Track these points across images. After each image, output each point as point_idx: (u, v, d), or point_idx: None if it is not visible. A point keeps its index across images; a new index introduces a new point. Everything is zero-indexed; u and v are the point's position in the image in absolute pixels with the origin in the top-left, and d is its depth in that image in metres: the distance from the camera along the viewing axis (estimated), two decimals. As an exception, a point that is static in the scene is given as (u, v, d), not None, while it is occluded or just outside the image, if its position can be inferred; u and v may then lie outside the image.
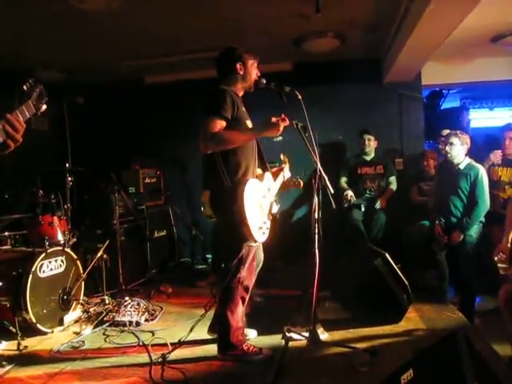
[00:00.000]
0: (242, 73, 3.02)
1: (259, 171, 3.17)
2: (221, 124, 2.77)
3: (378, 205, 5.13)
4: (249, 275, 3.00)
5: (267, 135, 2.85)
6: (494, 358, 2.79)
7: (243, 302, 3.03)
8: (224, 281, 2.95)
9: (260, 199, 2.89)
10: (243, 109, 2.99)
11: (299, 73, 5.82)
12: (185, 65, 5.66)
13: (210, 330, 3.30)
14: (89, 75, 6.01)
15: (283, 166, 3.41)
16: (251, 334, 3.37)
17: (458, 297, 4.28)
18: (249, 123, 3.01)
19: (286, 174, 3.39)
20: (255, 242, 2.83)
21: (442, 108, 6.95)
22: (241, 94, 3.06)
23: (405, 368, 1.95)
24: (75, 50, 5.11)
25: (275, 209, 3.05)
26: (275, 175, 3.26)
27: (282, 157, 3.43)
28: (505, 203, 4.13)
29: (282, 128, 2.76)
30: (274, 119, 2.78)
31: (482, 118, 7.96)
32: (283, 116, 2.78)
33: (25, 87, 1.77)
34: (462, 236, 4.12)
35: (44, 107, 1.84)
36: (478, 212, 4.12)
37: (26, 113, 1.74)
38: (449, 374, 1.72)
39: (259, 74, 3.07)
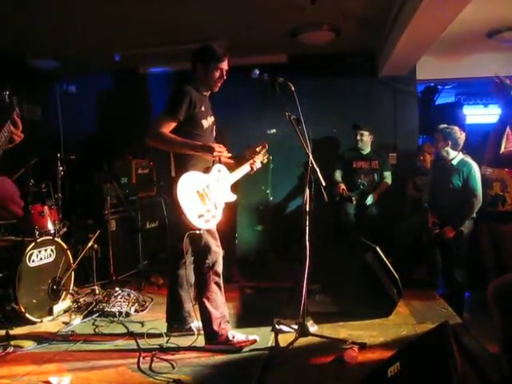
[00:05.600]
0: (201, 74, 3.05)
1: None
2: (170, 124, 2.92)
3: (369, 199, 5.13)
4: (218, 259, 3.03)
5: (202, 154, 2.97)
6: (481, 352, 2.80)
7: (219, 288, 3.05)
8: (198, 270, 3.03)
9: (200, 189, 2.92)
10: (202, 108, 3.04)
11: (294, 65, 5.78)
12: (179, 55, 5.61)
13: (169, 329, 3.27)
14: (83, 64, 5.96)
15: (252, 157, 3.33)
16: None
17: (448, 292, 4.30)
18: (205, 122, 3.07)
19: (256, 165, 3.33)
20: (198, 229, 2.87)
21: (436, 103, 6.95)
22: (206, 92, 3.12)
23: (392, 361, 1.96)
24: (69, 38, 5.06)
25: (231, 197, 3.18)
26: (237, 166, 3.28)
27: (257, 149, 3.38)
28: (492, 200, 4.12)
29: (215, 154, 2.92)
30: (213, 145, 2.92)
31: (476, 114, 7.94)
32: (221, 147, 2.93)
33: (7, 99, 2.19)
34: (451, 235, 4.12)
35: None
36: (470, 208, 4.12)
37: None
38: (435, 367, 1.72)
39: (224, 78, 3.06)
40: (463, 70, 6.08)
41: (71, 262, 3.96)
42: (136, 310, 3.80)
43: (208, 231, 2.98)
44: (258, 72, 3.03)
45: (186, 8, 4.35)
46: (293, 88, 2.94)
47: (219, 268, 3.05)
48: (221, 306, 3.04)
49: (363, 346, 2.96)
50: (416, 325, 3.45)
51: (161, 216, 5.82)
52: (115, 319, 3.61)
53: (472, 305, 4.27)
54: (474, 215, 4.19)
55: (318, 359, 2.89)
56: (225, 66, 3.05)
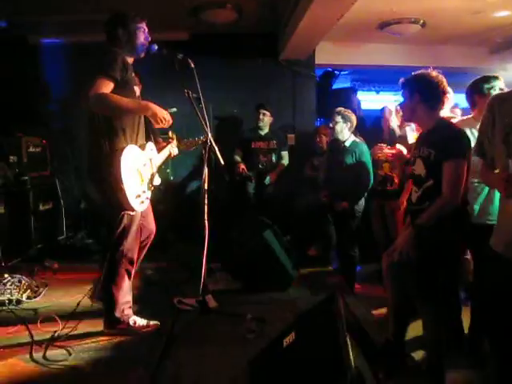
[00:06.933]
0: (125, 39, 2.88)
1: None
2: (109, 85, 2.68)
3: (267, 179, 5.29)
4: (134, 247, 2.93)
5: (148, 115, 2.81)
6: (368, 318, 3.05)
7: (129, 275, 2.96)
8: (107, 253, 2.88)
9: (139, 167, 2.83)
10: (133, 74, 2.89)
11: (196, 43, 5.69)
12: (74, 26, 5.30)
13: (93, 296, 3.20)
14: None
15: (170, 141, 3.35)
16: None
17: (341, 266, 4.57)
18: (137, 89, 2.93)
19: (174, 150, 3.35)
20: (133, 210, 2.76)
21: (333, 88, 7.27)
22: (130, 59, 2.93)
23: (287, 331, 2.06)
24: None
25: (157, 181, 3.06)
26: (160, 149, 3.22)
27: (169, 134, 3.38)
28: (382, 180, 4.42)
29: (161, 122, 2.78)
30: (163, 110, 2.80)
31: (369, 100, 8.44)
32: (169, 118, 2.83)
33: None
34: (346, 206, 4.35)
35: None
36: (362, 187, 4.38)
37: None
38: (325, 334, 1.85)
39: (149, 39, 2.94)
40: (357, 58, 6.44)
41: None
42: (28, 297, 3.58)
43: (135, 215, 2.83)
44: (156, 47, 2.96)
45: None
46: (192, 65, 2.92)
47: (134, 255, 2.95)
48: (127, 293, 2.96)
49: (261, 321, 3.07)
50: (311, 297, 3.65)
51: (56, 197, 5.52)
52: (4, 308, 3.37)
53: (363, 277, 4.59)
54: (365, 194, 4.47)
55: (219, 335, 2.95)
56: (145, 26, 2.92)
